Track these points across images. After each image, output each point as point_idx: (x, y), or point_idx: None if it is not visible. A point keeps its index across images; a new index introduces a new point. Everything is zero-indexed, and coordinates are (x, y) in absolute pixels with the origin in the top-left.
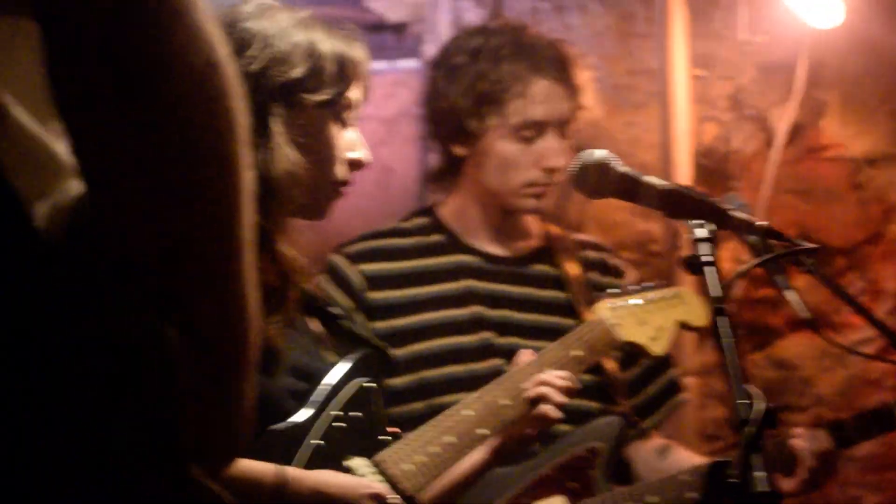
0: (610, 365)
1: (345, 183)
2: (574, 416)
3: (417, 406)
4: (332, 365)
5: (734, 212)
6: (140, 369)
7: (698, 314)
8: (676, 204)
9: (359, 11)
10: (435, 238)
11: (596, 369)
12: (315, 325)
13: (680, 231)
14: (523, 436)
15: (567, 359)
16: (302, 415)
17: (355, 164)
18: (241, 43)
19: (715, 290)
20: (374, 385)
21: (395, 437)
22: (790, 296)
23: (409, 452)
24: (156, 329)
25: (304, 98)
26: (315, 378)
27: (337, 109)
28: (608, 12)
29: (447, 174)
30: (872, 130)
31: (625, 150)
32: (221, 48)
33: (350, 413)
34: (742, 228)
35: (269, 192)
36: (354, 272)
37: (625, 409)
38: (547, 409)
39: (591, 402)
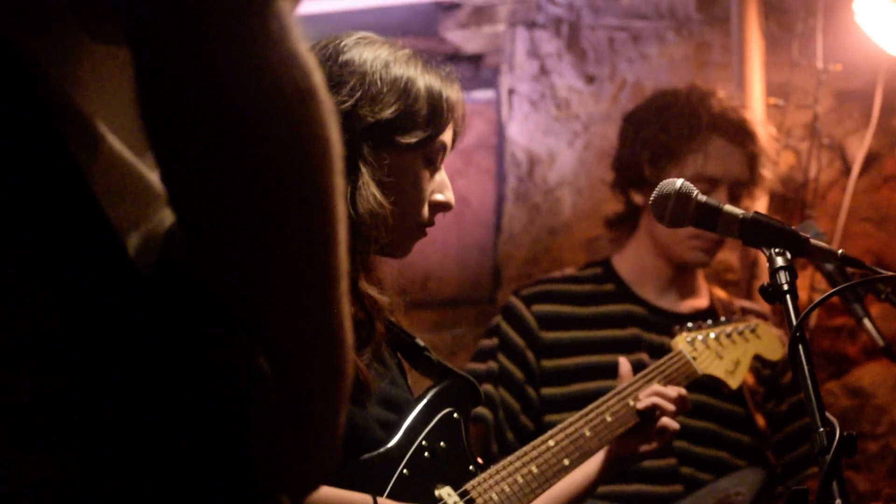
0: (760, 420)
1: (429, 224)
2: (716, 467)
3: None
4: (419, 396)
5: (812, 240)
6: (232, 400)
7: (773, 348)
8: (755, 232)
9: (436, 42)
10: (607, 287)
11: (746, 422)
12: (400, 358)
13: (757, 260)
14: (639, 451)
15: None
16: (391, 444)
17: (441, 207)
18: (338, 78)
19: (794, 318)
20: (461, 415)
21: (482, 467)
22: (867, 324)
23: (494, 482)
24: (248, 360)
25: (395, 138)
26: (402, 408)
27: (428, 152)
28: (685, 42)
29: (625, 221)
30: None
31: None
32: (316, 76)
33: (437, 443)
34: (820, 256)
35: (353, 230)
36: (529, 313)
37: (773, 465)
38: (665, 420)
39: (738, 459)
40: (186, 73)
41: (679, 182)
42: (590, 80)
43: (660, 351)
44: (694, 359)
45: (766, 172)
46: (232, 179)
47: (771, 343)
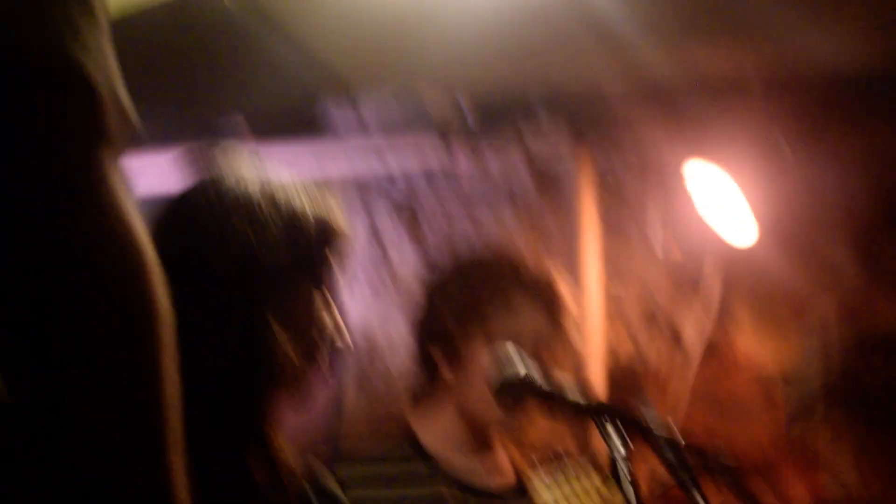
0: None
1: (329, 361)
2: None
3: None
4: None
5: (653, 428)
6: None
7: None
8: (595, 419)
9: None
10: (416, 466)
11: None
12: None
13: (589, 436)
14: None
15: None
16: None
17: (338, 343)
18: (227, 220)
19: None
20: None
21: None
22: None
23: None
24: None
25: (295, 279)
26: None
27: (323, 286)
28: (524, 227)
29: (427, 392)
30: (786, 346)
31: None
32: (147, 251)
33: None
34: (660, 444)
35: (263, 378)
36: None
37: None
38: None
39: None
40: (12, 258)
41: (521, 369)
42: (430, 264)
43: None
44: None
45: (569, 327)
46: (59, 353)
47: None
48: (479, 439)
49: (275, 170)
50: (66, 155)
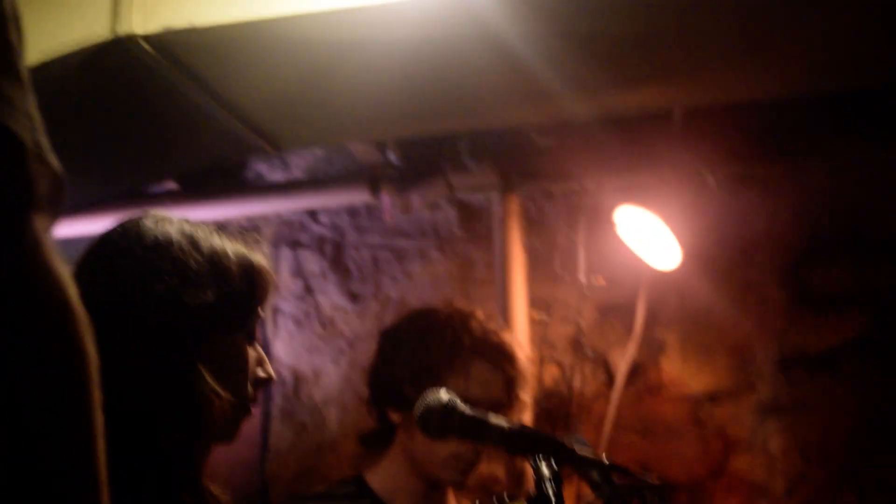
0: None
1: (255, 402)
2: None
3: None
4: None
5: (577, 448)
6: None
7: None
8: (521, 443)
9: None
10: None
11: None
12: None
13: (524, 472)
14: None
15: None
16: None
17: (264, 382)
18: (149, 264)
19: None
20: None
21: None
22: None
23: None
24: None
25: (220, 321)
26: None
27: (248, 327)
28: (448, 259)
29: (379, 439)
30: (712, 368)
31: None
32: (70, 290)
33: None
34: (586, 465)
35: (192, 422)
36: None
37: None
38: None
39: None
40: None
41: (444, 395)
42: (354, 297)
43: None
44: None
45: (524, 395)
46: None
47: None
48: (430, 489)
49: (192, 217)
50: None
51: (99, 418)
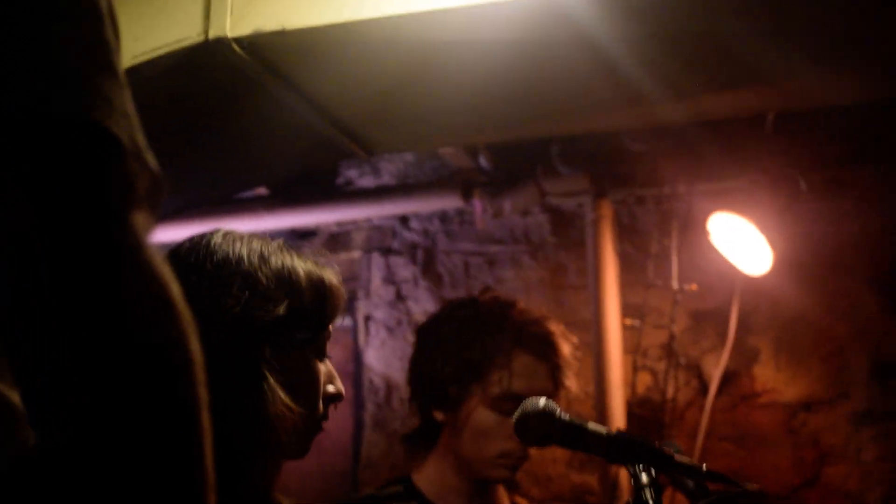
0: None
1: (326, 418)
2: None
3: None
4: None
5: (673, 455)
6: None
7: None
8: (620, 450)
9: None
10: None
11: None
12: None
13: (617, 481)
14: None
15: None
16: None
17: (334, 398)
18: (219, 280)
19: None
20: None
21: None
22: None
23: None
24: None
25: (291, 336)
26: None
27: (319, 343)
28: (540, 265)
29: (424, 438)
30: (805, 375)
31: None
32: (173, 287)
33: None
34: (683, 472)
35: (263, 437)
36: None
37: None
38: None
39: None
40: (41, 296)
41: (542, 401)
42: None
43: None
44: None
45: (570, 383)
46: (94, 394)
47: None
48: (479, 487)
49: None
50: (97, 222)
51: (206, 418)
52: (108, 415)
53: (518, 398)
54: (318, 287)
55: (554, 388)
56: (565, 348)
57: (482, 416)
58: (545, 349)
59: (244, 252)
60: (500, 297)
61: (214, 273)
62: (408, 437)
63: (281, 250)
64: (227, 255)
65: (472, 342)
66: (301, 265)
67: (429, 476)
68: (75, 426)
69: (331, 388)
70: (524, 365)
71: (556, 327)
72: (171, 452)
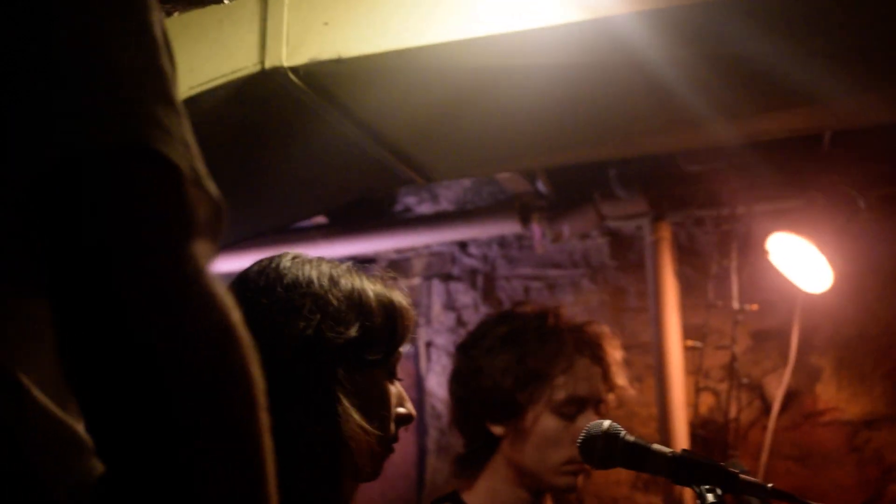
0: None
1: (397, 440)
2: None
3: None
4: None
5: (741, 475)
6: None
7: None
8: (685, 470)
9: None
10: None
11: None
12: None
13: (682, 501)
14: None
15: None
16: None
17: (405, 420)
18: (290, 303)
19: None
20: None
21: None
22: None
23: None
24: None
25: (364, 357)
26: None
27: (390, 364)
28: (600, 289)
29: (478, 457)
30: (868, 393)
31: (622, 425)
32: (233, 314)
33: None
34: (750, 492)
35: (338, 460)
36: None
37: None
38: None
39: None
40: (104, 321)
41: (606, 423)
42: None
43: None
44: None
45: (622, 382)
46: (156, 424)
47: None
48: (534, 498)
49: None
50: (157, 250)
51: (268, 442)
52: (170, 443)
53: (582, 401)
54: (389, 308)
55: (608, 388)
56: (614, 350)
57: (547, 422)
58: (597, 352)
59: (314, 275)
60: (542, 306)
61: (285, 296)
62: (463, 456)
63: (350, 273)
64: (297, 277)
65: (534, 350)
66: (371, 287)
67: (481, 492)
68: (137, 456)
69: (402, 410)
70: (583, 368)
71: (602, 330)
72: (233, 478)
